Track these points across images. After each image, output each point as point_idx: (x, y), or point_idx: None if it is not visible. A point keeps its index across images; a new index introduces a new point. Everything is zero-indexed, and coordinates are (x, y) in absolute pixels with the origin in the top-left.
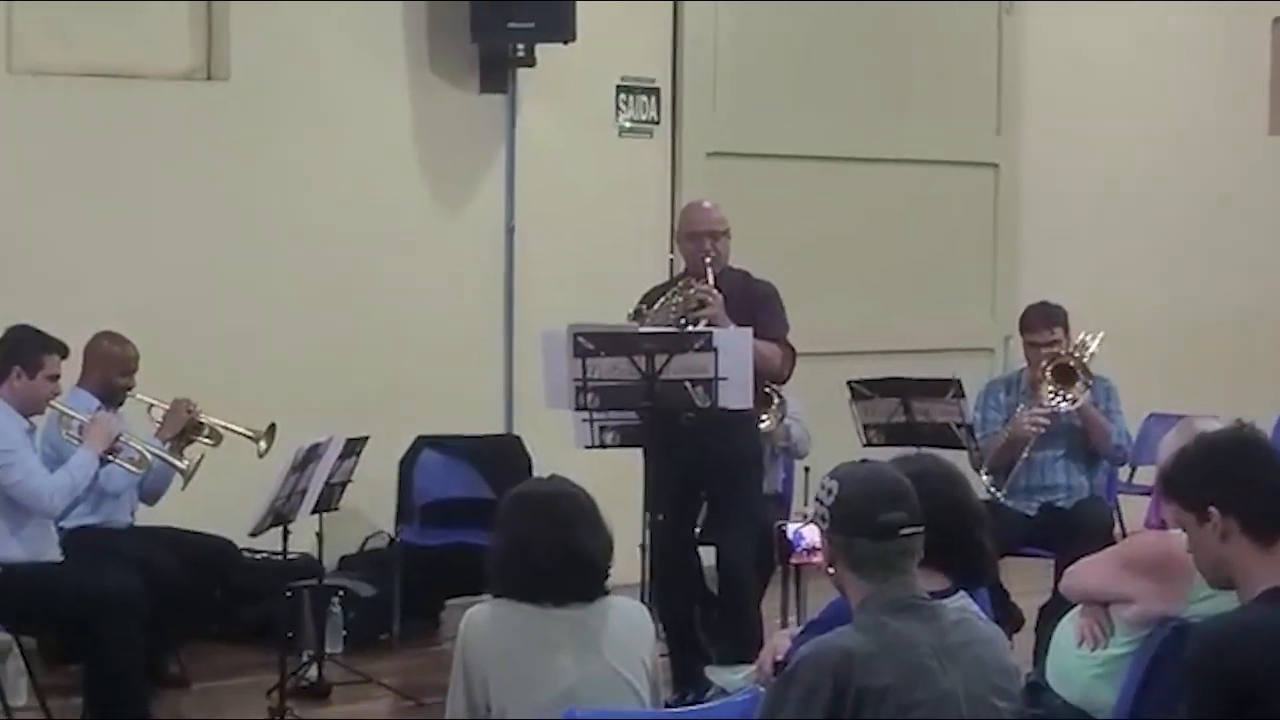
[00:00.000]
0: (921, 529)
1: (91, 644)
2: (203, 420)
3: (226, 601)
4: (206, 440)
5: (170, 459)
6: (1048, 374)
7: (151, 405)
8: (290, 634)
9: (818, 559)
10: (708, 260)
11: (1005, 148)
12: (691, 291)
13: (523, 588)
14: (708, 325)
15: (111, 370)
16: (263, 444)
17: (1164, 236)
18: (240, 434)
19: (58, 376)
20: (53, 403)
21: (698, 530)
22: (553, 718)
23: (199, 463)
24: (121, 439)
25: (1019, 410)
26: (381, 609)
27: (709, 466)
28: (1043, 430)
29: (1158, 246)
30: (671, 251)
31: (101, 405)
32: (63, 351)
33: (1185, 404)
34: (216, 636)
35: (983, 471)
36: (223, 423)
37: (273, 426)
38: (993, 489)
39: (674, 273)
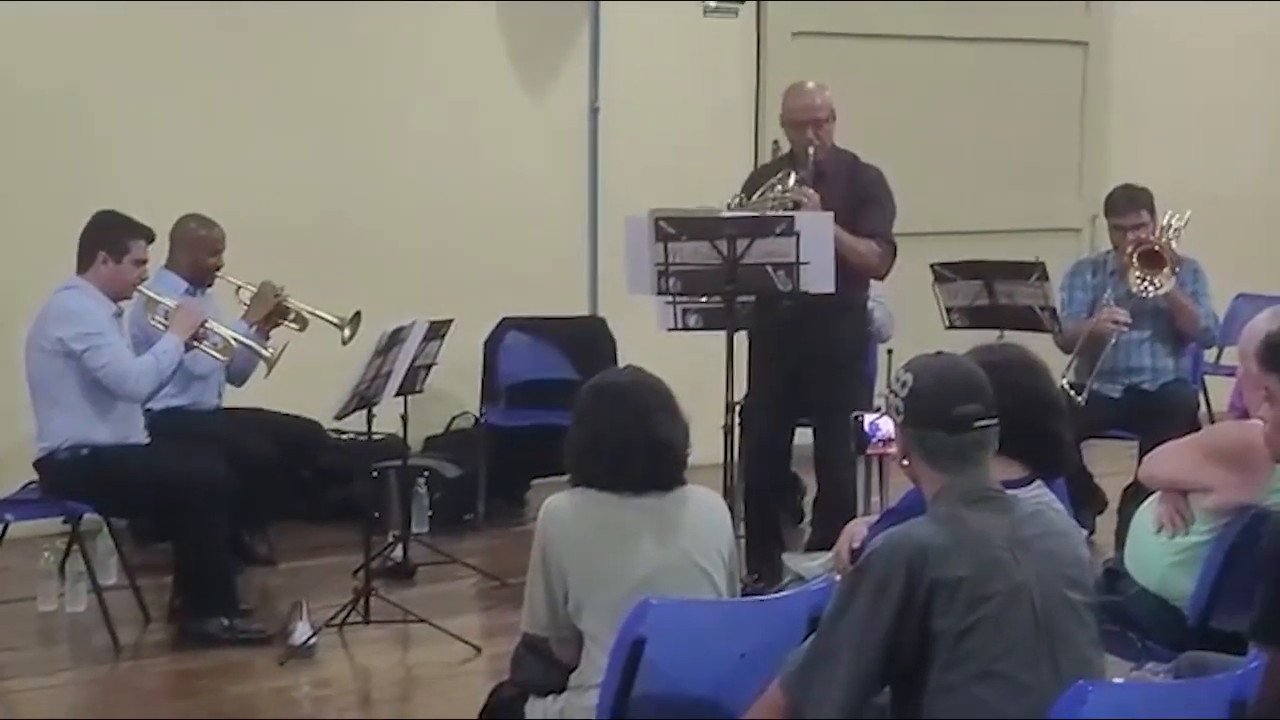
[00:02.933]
0: (996, 421)
1: (178, 526)
2: (289, 305)
3: (314, 482)
4: (292, 325)
5: (255, 346)
6: (1134, 260)
7: (240, 287)
8: (376, 514)
9: (893, 450)
10: (810, 149)
11: (1094, 26)
12: (791, 185)
13: (602, 477)
14: None
15: (200, 252)
16: (347, 331)
17: (1253, 115)
18: (325, 320)
19: (144, 261)
20: (140, 287)
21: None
22: (629, 605)
23: (282, 351)
24: (207, 325)
25: (1105, 298)
26: (466, 489)
27: (811, 354)
28: (1124, 331)
29: (1246, 125)
30: (756, 127)
31: (189, 287)
32: (149, 236)
33: (1275, 285)
34: (304, 516)
35: (1071, 391)
36: (308, 308)
37: (358, 315)
38: (1072, 388)
39: (758, 150)
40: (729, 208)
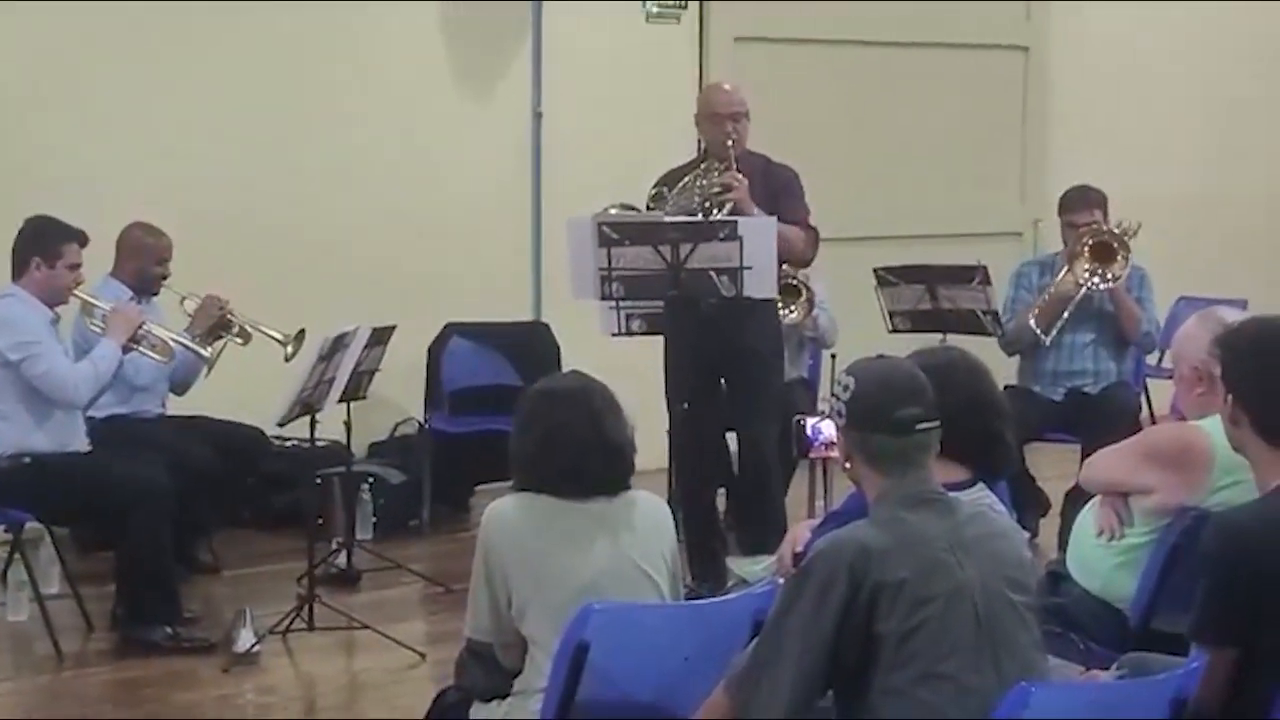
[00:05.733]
0: (938, 423)
1: (121, 534)
2: (233, 318)
3: (257, 489)
4: (236, 339)
5: (193, 346)
6: (1087, 250)
7: (184, 297)
8: (320, 520)
9: (835, 453)
10: (729, 142)
11: (1035, 31)
12: (716, 175)
13: (552, 481)
14: (733, 210)
15: (146, 260)
16: (290, 349)
17: (1195, 119)
18: (269, 336)
19: (78, 265)
20: (77, 292)
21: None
22: (573, 610)
23: (222, 349)
24: (145, 327)
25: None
26: (411, 495)
27: (731, 354)
28: (1094, 287)
29: (1188, 129)
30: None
31: (134, 295)
32: (82, 240)
33: (1215, 288)
34: (247, 524)
35: (1035, 328)
36: (252, 323)
37: (301, 332)
38: (1043, 335)
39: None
40: (649, 199)
